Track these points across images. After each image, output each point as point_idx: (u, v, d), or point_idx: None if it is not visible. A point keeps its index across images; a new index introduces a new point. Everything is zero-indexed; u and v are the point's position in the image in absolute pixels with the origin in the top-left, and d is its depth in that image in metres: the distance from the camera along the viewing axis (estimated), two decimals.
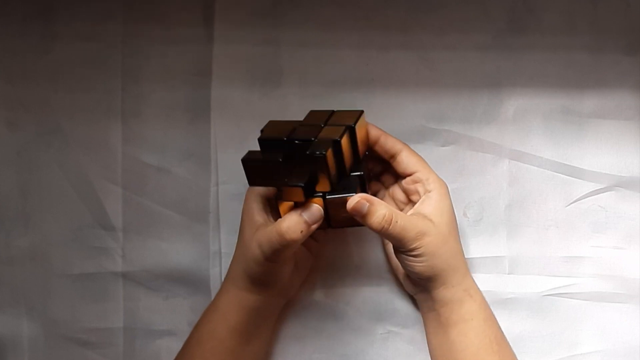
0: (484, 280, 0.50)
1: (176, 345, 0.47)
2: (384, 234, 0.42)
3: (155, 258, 0.51)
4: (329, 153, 0.40)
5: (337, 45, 0.50)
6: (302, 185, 0.39)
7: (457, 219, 0.46)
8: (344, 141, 0.41)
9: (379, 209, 0.41)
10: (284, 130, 0.42)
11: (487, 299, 0.47)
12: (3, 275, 0.51)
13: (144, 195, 0.51)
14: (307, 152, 0.40)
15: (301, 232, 0.40)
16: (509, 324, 0.50)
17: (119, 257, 0.51)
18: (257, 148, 0.43)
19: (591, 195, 0.50)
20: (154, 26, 0.50)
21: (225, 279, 0.47)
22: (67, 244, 0.51)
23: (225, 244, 0.51)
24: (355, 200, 0.41)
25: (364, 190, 0.43)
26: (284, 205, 0.42)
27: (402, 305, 0.50)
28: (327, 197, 0.41)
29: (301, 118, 0.44)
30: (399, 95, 0.50)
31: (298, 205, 0.41)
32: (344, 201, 0.41)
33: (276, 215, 0.44)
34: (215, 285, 0.50)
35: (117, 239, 0.51)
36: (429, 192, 0.44)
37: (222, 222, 0.51)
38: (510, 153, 0.50)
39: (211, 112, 0.50)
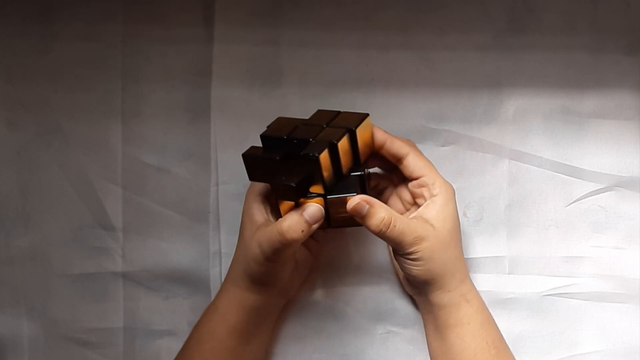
0: (484, 280, 0.50)
1: (176, 345, 0.47)
2: (381, 237, 0.42)
3: (155, 258, 0.51)
4: (323, 155, 0.39)
5: (337, 45, 0.50)
6: (294, 185, 0.39)
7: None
8: (342, 144, 0.41)
9: (378, 211, 0.41)
10: (286, 128, 0.42)
11: (487, 299, 0.47)
12: (3, 275, 0.51)
13: (144, 195, 0.51)
14: (302, 153, 0.40)
15: (302, 231, 0.40)
16: (509, 324, 0.50)
17: (119, 257, 0.51)
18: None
19: (591, 195, 0.50)
20: (154, 26, 0.50)
21: (225, 279, 0.47)
22: (67, 244, 0.51)
23: (225, 244, 0.51)
24: (355, 201, 0.41)
25: (364, 191, 0.43)
26: (285, 205, 0.42)
27: (402, 305, 0.50)
28: (328, 197, 0.42)
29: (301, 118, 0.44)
30: (399, 95, 0.50)
31: (298, 205, 0.41)
32: (344, 201, 0.41)
33: (276, 215, 0.44)
34: (215, 285, 0.50)
35: (117, 239, 0.51)
36: (434, 196, 0.44)
37: (222, 222, 0.51)
38: (510, 153, 0.50)
39: (211, 112, 0.50)
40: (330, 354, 0.51)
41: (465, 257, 0.47)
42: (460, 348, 0.44)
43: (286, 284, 0.47)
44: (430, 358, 0.47)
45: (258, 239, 0.42)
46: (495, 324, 0.46)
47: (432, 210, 0.43)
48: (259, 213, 0.44)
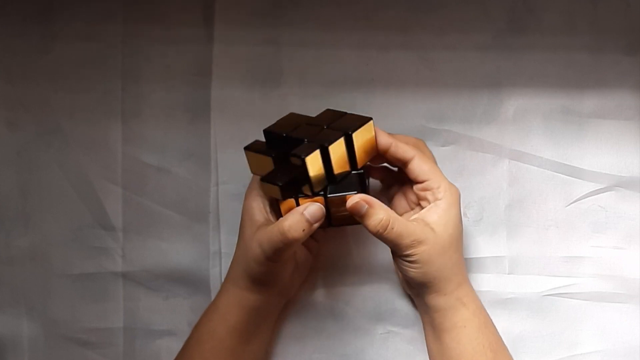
0: (484, 280, 0.50)
1: (176, 345, 0.47)
2: (379, 238, 0.42)
3: (155, 258, 0.51)
4: (311, 157, 0.39)
5: (337, 45, 0.50)
6: (280, 184, 0.40)
7: None
8: (335, 147, 0.40)
9: (377, 212, 0.41)
10: (289, 126, 0.42)
11: (487, 299, 0.47)
12: (3, 275, 0.51)
13: (144, 195, 0.51)
14: (291, 153, 0.40)
15: (303, 230, 0.40)
16: (509, 324, 0.50)
17: (119, 257, 0.51)
18: None
19: (591, 195, 0.50)
20: (154, 26, 0.50)
21: (225, 279, 0.47)
22: (67, 244, 0.51)
23: (225, 244, 0.51)
24: (354, 200, 0.41)
25: (364, 189, 0.43)
26: (285, 204, 0.42)
27: (402, 305, 0.50)
28: (328, 195, 0.42)
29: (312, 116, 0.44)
30: (399, 95, 0.50)
31: (299, 204, 0.41)
32: (345, 200, 0.41)
33: (276, 214, 0.44)
34: (215, 285, 0.50)
35: (117, 239, 0.51)
36: (438, 200, 0.43)
37: (222, 222, 0.51)
38: (510, 153, 0.50)
39: (211, 112, 0.50)
40: (330, 354, 0.51)
41: (465, 257, 0.47)
42: (457, 351, 0.44)
43: (286, 283, 0.47)
44: (429, 359, 0.47)
45: (259, 238, 0.42)
46: (494, 327, 0.46)
47: (434, 214, 0.43)
48: (259, 213, 0.44)
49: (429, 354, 0.47)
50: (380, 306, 0.51)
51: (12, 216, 0.51)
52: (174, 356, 0.46)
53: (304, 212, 0.41)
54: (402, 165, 0.44)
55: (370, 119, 0.42)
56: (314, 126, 0.42)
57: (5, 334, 0.52)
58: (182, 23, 0.50)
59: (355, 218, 0.42)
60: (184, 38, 0.50)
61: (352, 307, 0.51)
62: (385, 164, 0.47)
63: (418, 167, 0.43)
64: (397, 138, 0.44)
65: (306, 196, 0.42)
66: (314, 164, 0.40)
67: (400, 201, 0.47)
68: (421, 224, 0.43)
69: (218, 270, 0.51)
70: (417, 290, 0.46)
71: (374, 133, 0.43)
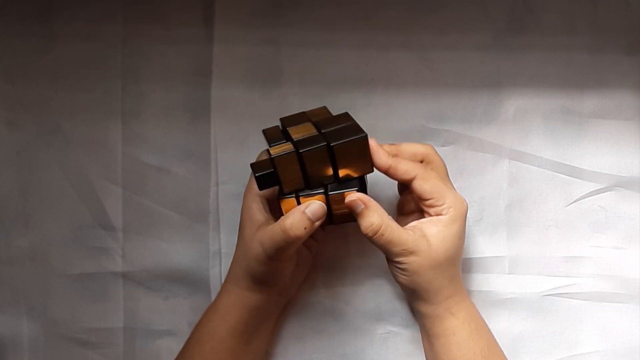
0: (484, 280, 0.50)
1: (176, 345, 0.47)
2: (369, 240, 0.42)
3: (155, 258, 0.51)
4: (281, 159, 0.40)
5: (337, 45, 0.50)
6: (255, 174, 0.41)
7: None
8: (311, 154, 0.40)
9: (370, 215, 0.41)
10: (296, 122, 0.43)
11: (487, 299, 0.47)
12: (3, 275, 0.51)
13: (144, 195, 0.51)
14: (269, 148, 0.41)
15: (305, 228, 0.40)
16: (509, 324, 0.50)
17: (119, 257, 0.51)
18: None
19: (591, 195, 0.50)
20: (154, 26, 0.50)
21: (225, 279, 0.47)
22: (67, 244, 0.51)
23: (225, 244, 0.51)
24: (352, 197, 0.41)
25: (363, 186, 0.43)
26: (286, 203, 0.42)
27: (402, 305, 0.50)
28: (329, 193, 0.42)
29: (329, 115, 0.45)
30: (399, 95, 0.50)
31: (300, 203, 0.42)
32: (344, 197, 0.41)
33: (276, 213, 0.44)
34: (215, 285, 0.50)
35: (117, 239, 0.51)
36: (442, 215, 0.42)
37: (222, 222, 0.51)
38: (510, 153, 0.50)
39: (211, 112, 0.50)
40: (330, 354, 0.51)
41: (465, 257, 0.47)
42: (447, 357, 0.44)
43: (287, 283, 0.47)
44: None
45: (259, 238, 0.42)
46: (488, 333, 0.45)
47: (434, 227, 0.42)
48: (259, 212, 0.44)
49: (425, 356, 0.47)
50: (380, 306, 0.51)
51: (12, 216, 0.51)
52: (174, 356, 0.46)
53: (306, 211, 0.41)
54: (405, 183, 0.43)
55: (364, 136, 0.41)
56: (309, 128, 0.42)
57: (5, 334, 0.52)
58: (182, 23, 0.50)
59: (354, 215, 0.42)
60: (184, 38, 0.50)
61: (352, 307, 0.51)
62: None
63: (419, 187, 0.42)
64: (403, 149, 0.44)
65: (307, 195, 0.42)
66: (285, 165, 0.40)
67: (409, 202, 0.47)
68: (417, 234, 0.42)
69: (218, 270, 0.51)
70: (407, 294, 0.46)
71: (367, 150, 0.41)
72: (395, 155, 0.43)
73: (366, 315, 0.51)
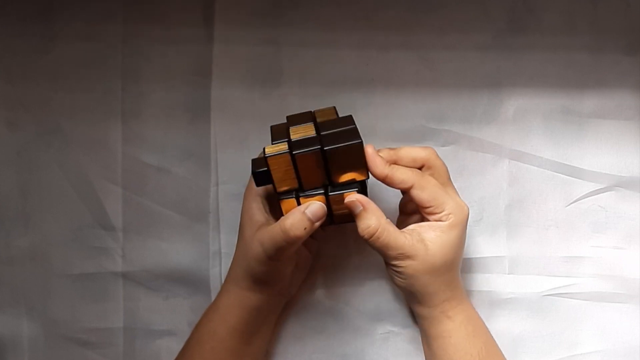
0: (484, 280, 0.50)
1: (176, 345, 0.47)
2: (366, 242, 0.42)
3: (155, 258, 0.51)
4: (274, 159, 0.40)
5: (337, 45, 0.50)
6: (252, 171, 0.41)
7: None
8: (303, 158, 0.40)
9: (367, 218, 0.41)
10: (300, 121, 0.43)
11: (487, 299, 0.47)
12: (3, 275, 0.51)
13: (144, 195, 0.51)
14: (265, 147, 0.41)
15: (305, 229, 0.40)
16: (509, 324, 0.50)
17: (119, 257, 0.51)
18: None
19: (591, 195, 0.50)
20: (154, 26, 0.50)
21: (225, 279, 0.47)
22: (67, 244, 0.51)
23: (225, 244, 0.51)
24: (352, 198, 0.41)
25: (363, 187, 0.43)
26: (287, 203, 0.42)
27: (402, 305, 0.50)
28: (330, 194, 0.42)
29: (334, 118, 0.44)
30: (399, 95, 0.50)
31: (300, 204, 0.42)
32: (344, 198, 0.41)
33: (276, 213, 0.44)
34: (215, 285, 0.50)
35: (117, 239, 0.51)
36: (441, 221, 0.42)
37: (222, 222, 0.51)
38: (510, 153, 0.50)
39: (211, 112, 0.50)
40: (330, 354, 0.51)
41: (465, 257, 0.47)
42: (444, 358, 0.44)
43: (287, 283, 0.47)
44: None
45: (260, 238, 0.42)
46: (485, 335, 0.45)
47: (432, 232, 0.42)
48: (259, 212, 0.44)
49: (424, 356, 0.47)
50: (380, 306, 0.51)
51: (12, 216, 0.51)
52: (174, 356, 0.46)
53: (306, 211, 0.41)
54: (404, 191, 0.43)
55: (359, 142, 0.40)
56: (308, 130, 0.42)
57: (5, 334, 0.52)
58: (182, 23, 0.50)
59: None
60: (184, 38, 0.50)
61: (352, 307, 0.51)
62: None
63: (417, 196, 0.42)
64: (402, 154, 0.43)
65: (307, 195, 0.42)
66: (278, 165, 0.41)
67: (411, 202, 0.46)
68: (415, 239, 0.42)
69: (218, 270, 0.51)
70: (405, 296, 0.46)
71: (362, 156, 0.41)
72: (394, 161, 0.43)
73: (366, 315, 0.51)
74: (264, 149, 0.41)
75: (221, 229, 0.51)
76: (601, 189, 0.50)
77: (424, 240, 0.42)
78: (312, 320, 0.51)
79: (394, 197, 0.48)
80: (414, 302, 0.45)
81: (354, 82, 0.50)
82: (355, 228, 0.42)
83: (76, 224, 0.51)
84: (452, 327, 0.44)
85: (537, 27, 0.50)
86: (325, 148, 0.40)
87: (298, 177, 0.41)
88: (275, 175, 0.41)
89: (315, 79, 0.50)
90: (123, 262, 0.51)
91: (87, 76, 0.51)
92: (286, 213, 0.42)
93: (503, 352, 0.45)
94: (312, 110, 0.45)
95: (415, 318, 0.48)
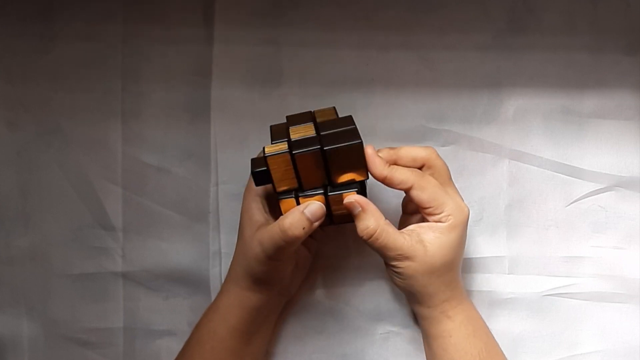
0: (484, 280, 0.50)
1: (176, 345, 0.47)
2: (365, 243, 0.42)
3: (155, 258, 0.51)
4: (274, 158, 0.40)
5: (337, 45, 0.50)
6: (251, 170, 0.41)
7: None
8: (302, 157, 0.40)
9: (366, 219, 0.41)
10: (299, 121, 0.43)
11: (487, 299, 0.47)
12: (3, 275, 0.51)
13: (144, 195, 0.51)
14: (264, 147, 0.41)
15: (303, 228, 0.40)
16: (509, 324, 0.50)
17: (119, 257, 0.51)
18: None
19: (591, 195, 0.50)
20: (154, 26, 0.50)
21: (225, 279, 0.47)
22: (67, 244, 0.51)
23: (225, 244, 0.51)
24: (351, 199, 0.41)
25: (363, 187, 0.43)
26: (286, 203, 0.42)
27: (402, 305, 0.50)
28: (329, 194, 0.42)
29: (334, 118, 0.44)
30: (399, 95, 0.50)
31: (300, 203, 0.42)
32: (343, 198, 0.41)
33: (275, 213, 0.44)
34: (215, 285, 0.50)
35: (117, 239, 0.51)
36: (441, 222, 0.42)
37: (222, 222, 0.51)
38: (510, 153, 0.50)
39: (211, 112, 0.50)
40: (330, 354, 0.51)
41: (465, 257, 0.47)
42: (444, 358, 0.44)
43: (287, 283, 0.47)
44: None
45: (259, 237, 0.42)
46: (486, 335, 0.45)
47: (431, 233, 0.42)
48: (258, 212, 0.44)
49: (425, 355, 0.47)
50: (380, 306, 0.51)
51: (12, 216, 0.51)
52: (174, 356, 0.46)
53: (305, 211, 0.41)
54: (404, 191, 0.43)
55: (358, 142, 0.40)
56: (308, 130, 0.42)
57: (5, 334, 0.52)
58: (182, 23, 0.50)
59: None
60: (184, 38, 0.50)
61: (352, 307, 0.51)
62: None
63: (416, 197, 0.42)
64: (402, 154, 0.43)
65: (306, 195, 0.42)
66: (278, 164, 0.40)
67: (410, 202, 0.46)
68: (414, 240, 0.42)
69: (218, 270, 0.51)
70: (406, 296, 0.47)
71: (362, 156, 0.41)
72: (394, 161, 0.43)
73: (366, 315, 0.51)
74: (263, 148, 0.41)
75: (221, 229, 0.51)
76: (601, 189, 0.50)
77: (423, 241, 0.42)
78: (312, 320, 0.51)
79: (394, 197, 0.48)
80: (414, 302, 0.45)
81: (354, 82, 0.50)
82: (355, 228, 0.42)
83: (76, 224, 0.51)
84: (452, 327, 0.44)
85: (537, 27, 0.50)
86: (324, 148, 0.40)
87: (297, 177, 0.41)
88: (275, 175, 0.41)
89: (315, 79, 0.50)
90: (123, 262, 0.51)
91: (87, 76, 0.51)
92: (285, 213, 0.42)
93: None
94: (312, 110, 0.45)
95: (416, 317, 0.48)
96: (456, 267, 0.44)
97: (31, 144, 0.51)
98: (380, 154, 0.42)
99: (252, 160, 0.42)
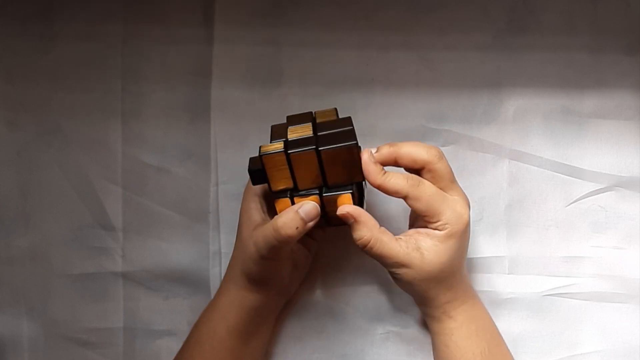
0: (484, 280, 0.50)
1: (176, 345, 0.47)
2: (360, 251, 0.42)
3: (155, 258, 0.51)
4: (269, 157, 0.40)
5: (337, 45, 0.50)
6: (249, 169, 0.41)
7: None
8: (298, 157, 0.40)
9: (360, 229, 0.40)
10: (299, 122, 0.43)
11: (487, 299, 0.47)
12: (3, 275, 0.51)
13: (144, 195, 0.51)
14: (260, 146, 0.41)
15: (297, 228, 0.40)
16: (509, 324, 0.50)
17: (119, 257, 0.51)
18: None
19: (591, 195, 0.50)
20: (154, 26, 0.50)
21: (224, 278, 0.47)
22: (67, 244, 0.51)
23: (225, 244, 0.51)
24: (344, 210, 0.40)
25: (359, 188, 0.43)
26: (281, 203, 0.42)
27: (402, 305, 0.50)
28: (323, 194, 0.42)
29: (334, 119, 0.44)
30: (399, 95, 0.50)
31: (294, 203, 0.42)
32: (338, 199, 0.41)
33: (274, 214, 0.44)
34: (215, 285, 0.50)
35: (117, 239, 0.51)
36: (438, 230, 0.41)
37: (222, 222, 0.51)
38: (510, 153, 0.50)
39: (211, 112, 0.50)
40: (330, 354, 0.51)
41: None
42: (446, 354, 0.44)
43: (285, 283, 0.47)
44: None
45: (254, 237, 0.42)
46: (491, 334, 0.45)
47: (429, 240, 0.41)
48: (256, 212, 0.44)
49: (432, 350, 0.47)
50: (380, 306, 0.51)
51: (12, 216, 0.51)
52: (174, 356, 0.46)
53: (299, 210, 0.40)
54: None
55: (353, 144, 0.40)
56: (306, 129, 0.42)
57: (5, 334, 0.52)
58: (182, 23, 0.50)
59: None
60: (184, 38, 0.50)
61: (352, 307, 0.51)
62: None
63: (412, 206, 0.41)
64: (403, 153, 0.41)
65: (302, 195, 0.42)
66: (273, 164, 0.40)
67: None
68: (410, 247, 0.41)
69: (218, 270, 0.51)
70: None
71: (357, 158, 0.40)
72: (394, 159, 0.42)
73: (366, 315, 0.51)
74: (259, 147, 0.41)
75: (221, 229, 0.51)
76: (601, 189, 0.50)
77: (420, 249, 0.41)
78: (311, 320, 0.51)
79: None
80: (416, 301, 0.46)
81: (354, 82, 0.50)
82: None
83: (76, 224, 0.51)
84: (454, 326, 0.44)
85: (537, 27, 0.50)
86: (319, 149, 0.40)
87: (293, 177, 0.41)
88: (270, 174, 0.41)
89: (315, 79, 0.50)
90: (123, 262, 0.51)
91: (87, 76, 0.51)
92: (280, 213, 0.42)
93: None
94: (313, 111, 0.45)
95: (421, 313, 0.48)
96: (457, 271, 0.44)
97: (31, 144, 0.51)
98: (380, 151, 0.42)
99: (250, 159, 0.42)
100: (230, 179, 0.51)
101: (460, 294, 0.44)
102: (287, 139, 0.42)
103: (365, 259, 0.50)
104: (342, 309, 0.51)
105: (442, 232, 0.41)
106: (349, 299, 0.51)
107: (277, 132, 0.43)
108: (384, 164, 0.42)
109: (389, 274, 0.44)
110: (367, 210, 0.42)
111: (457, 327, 0.44)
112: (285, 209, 0.41)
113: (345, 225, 0.42)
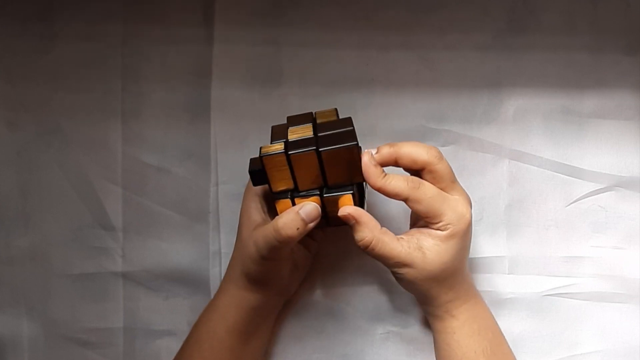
0: (484, 280, 0.50)
1: (176, 345, 0.47)
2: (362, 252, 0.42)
3: (155, 258, 0.51)
4: (269, 158, 0.40)
5: (337, 45, 0.50)
6: (249, 170, 0.41)
7: None
8: (298, 158, 0.40)
9: (360, 230, 0.41)
10: (299, 122, 0.43)
11: (487, 299, 0.47)
12: (3, 275, 0.51)
13: (144, 195, 0.51)
14: (261, 146, 0.41)
15: (297, 229, 0.40)
16: (509, 324, 0.50)
17: (119, 257, 0.51)
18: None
19: (591, 195, 0.50)
20: (154, 26, 0.50)
21: (224, 278, 0.47)
22: (67, 244, 0.51)
23: (225, 244, 0.51)
24: (345, 211, 0.40)
25: (360, 189, 0.43)
26: (282, 204, 0.42)
27: (402, 305, 0.50)
28: (324, 195, 0.42)
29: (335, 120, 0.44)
30: (399, 95, 0.50)
31: (295, 204, 0.42)
32: (338, 200, 0.41)
33: (274, 214, 0.44)
34: (215, 285, 0.50)
35: (117, 239, 0.51)
36: (440, 231, 0.41)
37: (222, 222, 0.51)
38: (510, 153, 0.50)
39: (211, 112, 0.50)
40: (330, 354, 0.51)
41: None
42: (447, 352, 0.44)
43: (285, 283, 0.47)
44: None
45: (254, 237, 0.42)
46: (493, 333, 0.45)
47: (431, 240, 0.42)
48: (257, 212, 0.44)
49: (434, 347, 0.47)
50: (380, 306, 0.51)
51: (12, 216, 0.51)
52: (174, 356, 0.46)
53: (299, 211, 0.40)
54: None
55: (353, 145, 0.40)
56: (306, 130, 0.42)
57: (5, 334, 0.52)
58: (182, 23, 0.50)
59: None
60: (184, 38, 0.50)
61: (352, 307, 0.51)
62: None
63: (413, 208, 0.41)
64: (403, 153, 0.41)
65: (302, 196, 0.42)
66: (273, 165, 0.40)
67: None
68: (412, 246, 0.41)
69: (218, 270, 0.51)
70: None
71: (357, 159, 0.40)
72: (394, 160, 0.42)
73: (366, 315, 0.51)
74: (260, 148, 0.41)
75: (221, 229, 0.51)
76: (601, 189, 0.50)
77: (422, 248, 0.41)
78: (312, 320, 0.51)
79: None
80: (418, 300, 0.46)
81: (354, 82, 0.50)
82: None
83: (76, 224, 0.51)
84: (455, 325, 0.44)
85: (537, 27, 0.50)
86: (319, 149, 0.40)
87: (293, 178, 0.41)
88: (271, 175, 0.41)
89: (315, 79, 0.50)
90: (123, 262, 0.51)
91: (87, 76, 0.51)
92: (281, 213, 0.42)
93: None
94: (314, 112, 0.45)
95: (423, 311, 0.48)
96: (459, 270, 0.44)
97: (31, 144, 0.51)
98: (380, 152, 0.42)
99: (251, 160, 0.42)
100: (230, 179, 0.51)
101: (463, 293, 0.44)
102: (287, 139, 0.42)
103: (365, 259, 0.50)
104: (342, 309, 0.51)
105: (444, 232, 0.41)
106: (349, 299, 0.51)
107: (278, 132, 0.43)
108: (384, 164, 0.42)
109: (389, 274, 0.44)
110: (367, 210, 0.42)
111: (459, 325, 0.44)
112: (285, 209, 0.41)
113: (345, 225, 0.42)
